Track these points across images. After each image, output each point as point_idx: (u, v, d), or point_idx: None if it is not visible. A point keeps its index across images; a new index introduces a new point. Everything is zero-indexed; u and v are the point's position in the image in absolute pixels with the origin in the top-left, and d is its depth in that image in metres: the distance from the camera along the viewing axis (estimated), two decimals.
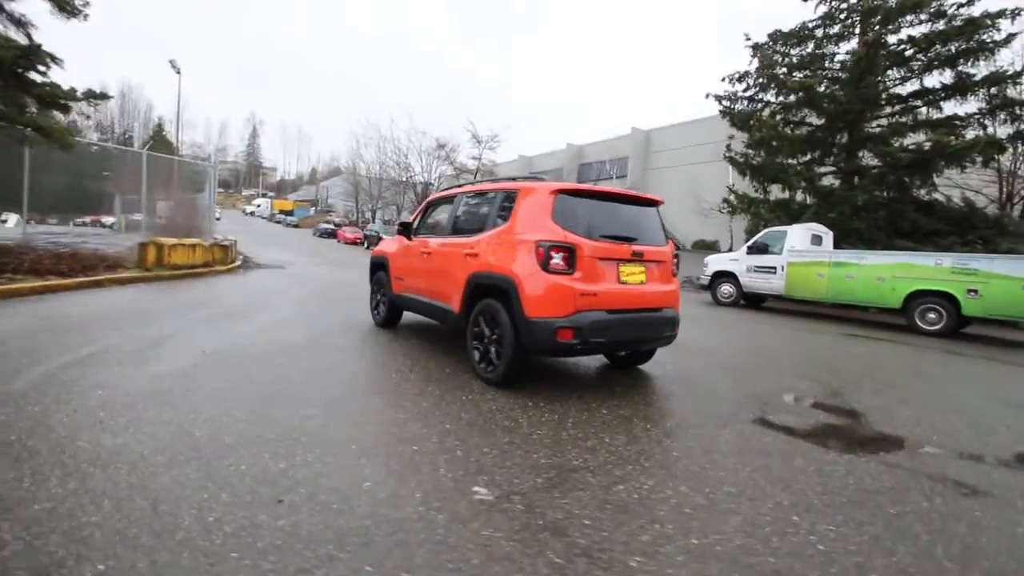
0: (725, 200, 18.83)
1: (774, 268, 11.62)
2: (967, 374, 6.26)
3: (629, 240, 4.07)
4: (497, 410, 3.55)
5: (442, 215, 5.34)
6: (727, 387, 4.67)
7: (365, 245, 32.18)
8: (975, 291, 8.84)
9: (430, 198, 5.72)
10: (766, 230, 12.74)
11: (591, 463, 2.81)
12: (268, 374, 4.01)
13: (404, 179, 35.81)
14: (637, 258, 4.06)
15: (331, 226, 42.72)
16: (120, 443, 2.64)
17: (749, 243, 12.38)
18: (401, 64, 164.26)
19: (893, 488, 2.78)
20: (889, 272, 9.88)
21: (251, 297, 8.23)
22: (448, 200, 5.30)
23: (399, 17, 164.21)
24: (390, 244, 6.33)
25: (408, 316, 6.64)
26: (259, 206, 66.37)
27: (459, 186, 5.44)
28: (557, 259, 3.73)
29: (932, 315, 9.39)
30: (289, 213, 60.82)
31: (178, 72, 23.15)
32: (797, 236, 11.58)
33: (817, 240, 12.06)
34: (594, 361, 5.24)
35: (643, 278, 4.12)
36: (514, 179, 4.50)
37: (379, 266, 6.43)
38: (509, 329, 3.90)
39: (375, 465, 2.59)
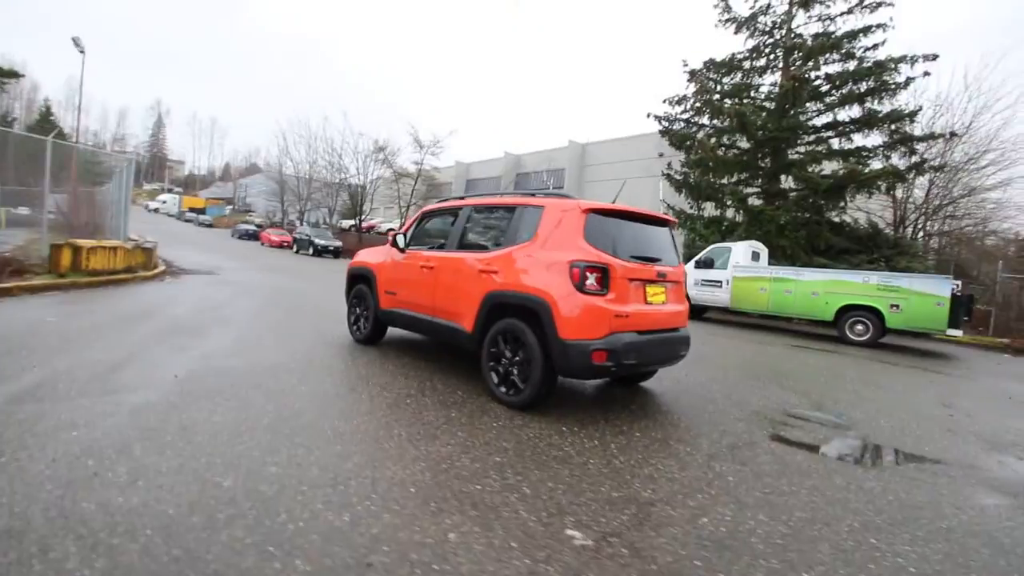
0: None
1: (720, 282, 12.32)
2: (912, 384, 6.94)
3: (654, 260, 4.08)
4: (536, 437, 3.39)
5: (443, 227, 5.07)
6: (727, 402, 4.81)
7: (294, 249, 30.34)
8: (897, 306, 9.88)
9: (426, 208, 5.42)
10: (712, 246, 13.50)
11: (660, 493, 2.74)
12: (269, 404, 3.56)
13: (338, 180, 34.17)
14: (661, 279, 4.08)
15: (252, 227, 39.80)
16: (136, 503, 2.18)
17: (696, 258, 13.02)
18: (326, 66, 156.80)
19: (929, 502, 2.95)
20: (823, 288, 10.81)
21: (198, 309, 7.38)
22: (450, 212, 5.05)
23: (323, 17, 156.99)
24: (373, 255, 5.93)
25: (391, 331, 6.25)
26: (164, 202, 60.43)
27: (460, 198, 5.19)
28: (592, 280, 3.64)
29: (860, 327, 10.38)
30: (201, 211, 55.94)
31: (82, 51, 20.55)
32: (741, 252, 12.37)
33: (755, 256, 12.95)
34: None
35: (664, 298, 4.14)
36: (532, 194, 4.37)
37: (360, 278, 6.00)
38: (538, 351, 3.75)
39: (449, 511, 2.35)
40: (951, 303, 9.38)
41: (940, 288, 9.50)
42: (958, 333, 9.81)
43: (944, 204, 19.59)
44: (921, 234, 20.11)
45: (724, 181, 19.09)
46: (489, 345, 4.14)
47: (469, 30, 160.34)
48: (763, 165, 18.66)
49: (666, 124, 20.37)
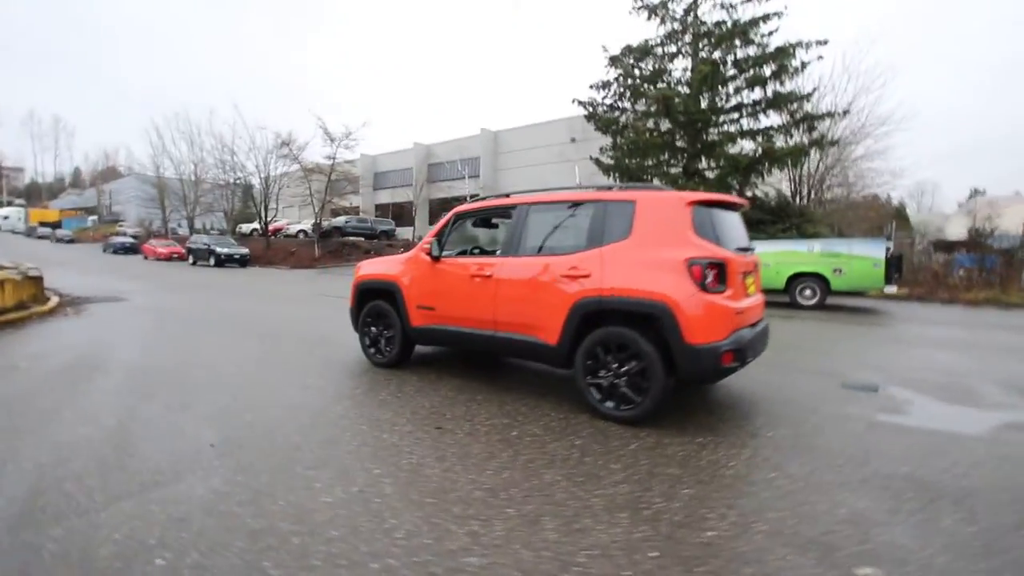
0: None
1: None
2: (887, 336, 7.58)
3: (748, 250, 3.90)
4: (688, 455, 3.07)
5: (489, 230, 4.51)
6: (785, 383, 4.82)
7: (190, 261, 26.89)
8: (840, 270, 10.85)
9: (459, 210, 4.78)
10: None
11: (855, 525, 2.56)
12: (375, 466, 2.86)
13: (234, 180, 30.66)
14: (755, 269, 3.92)
15: (129, 239, 34.72)
16: None
17: None
18: (205, 56, 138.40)
19: None
20: (774, 259, 11.58)
21: (146, 349, 6.05)
22: (498, 213, 4.50)
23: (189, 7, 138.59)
24: (389, 266, 5.17)
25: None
26: (7, 217, 50.75)
27: (505, 195, 4.63)
28: (712, 277, 3.36)
29: (808, 292, 11.29)
30: (56, 225, 47.78)
31: None
32: None
33: None
34: None
35: (755, 289, 3.99)
36: (609, 188, 3.98)
37: (375, 294, 5.22)
38: (656, 358, 3.41)
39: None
40: (885, 263, 10.46)
41: (876, 250, 10.58)
42: (893, 289, 11.03)
43: (830, 172, 22.09)
44: (816, 202, 22.52)
45: (650, 163, 19.88)
46: (585, 358, 3.72)
47: (371, 17, 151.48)
48: (683, 146, 19.66)
49: (591, 109, 20.68)
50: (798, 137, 18.59)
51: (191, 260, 26.89)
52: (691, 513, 2.41)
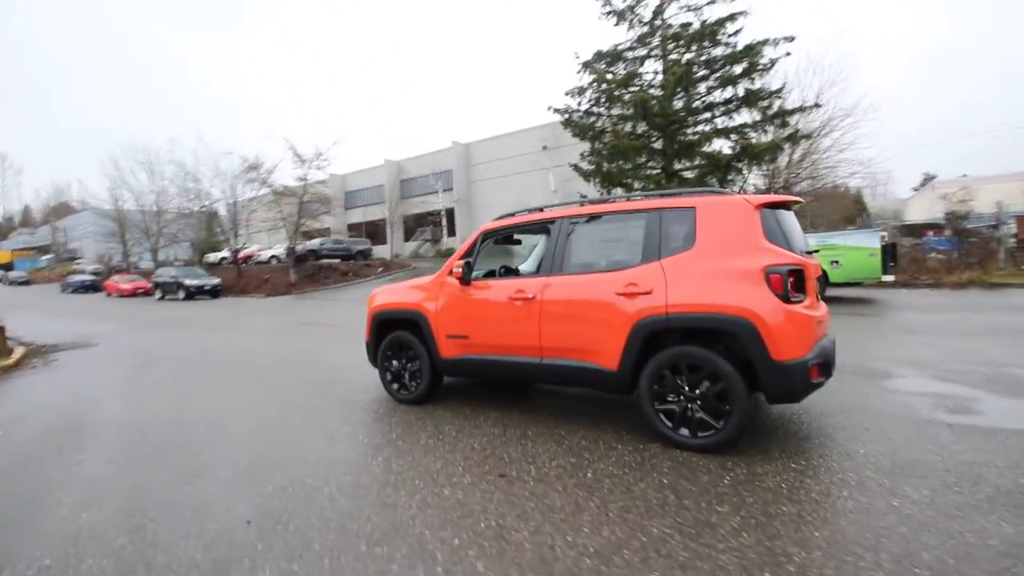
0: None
1: None
2: (897, 326, 7.52)
3: (813, 252, 3.66)
4: (766, 489, 2.76)
5: (523, 248, 4.16)
6: (829, 385, 4.60)
7: (158, 295, 25.63)
8: (837, 262, 10.88)
9: (487, 227, 4.41)
10: None
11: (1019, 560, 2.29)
12: (442, 547, 2.45)
13: (200, 208, 29.41)
14: (817, 272, 3.67)
15: (89, 276, 33.01)
16: None
17: None
18: (161, 83, 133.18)
19: None
20: None
21: (133, 404, 5.46)
22: (533, 229, 4.16)
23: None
24: (408, 293, 4.76)
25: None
26: None
27: (538, 210, 4.29)
28: (792, 285, 3.09)
29: None
30: (7, 267, 45.24)
31: None
32: None
33: None
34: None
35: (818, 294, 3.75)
36: (662, 194, 3.68)
37: (395, 325, 4.80)
38: (737, 378, 3.11)
39: None
40: (881, 252, 10.53)
41: (871, 240, 10.65)
42: (890, 278, 11.11)
43: (799, 165, 22.54)
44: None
45: (628, 166, 19.89)
46: (651, 382, 3.39)
47: (335, 37, 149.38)
48: (661, 147, 19.75)
49: (567, 116, 20.63)
50: (772, 133, 18.87)
51: (158, 295, 25.65)
52: (840, 562, 2.09)
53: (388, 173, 41.03)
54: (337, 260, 29.86)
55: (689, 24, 19.39)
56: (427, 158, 38.96)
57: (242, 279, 27.08)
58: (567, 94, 20.15)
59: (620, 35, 23.43)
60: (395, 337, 4.76)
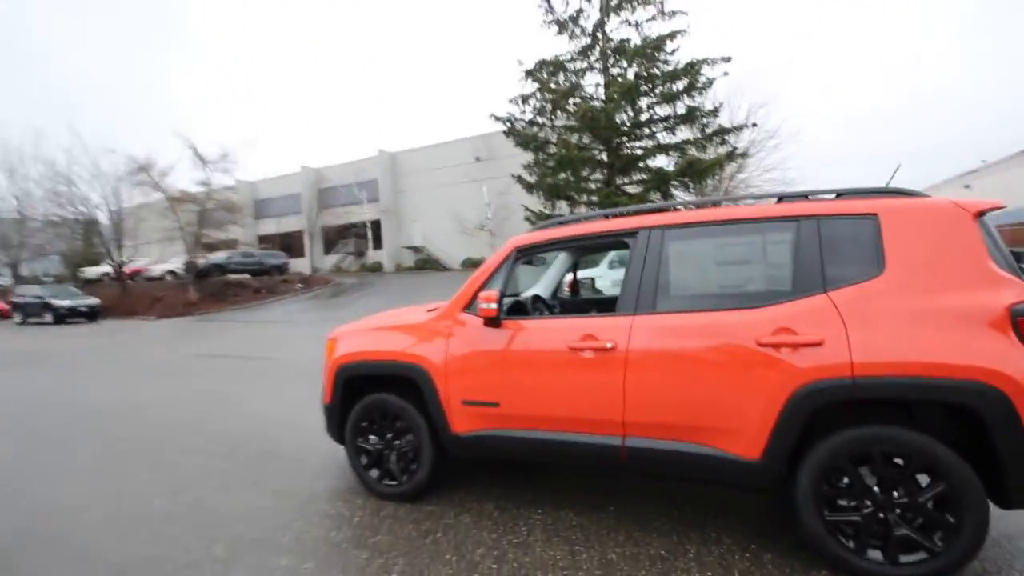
0: (526, 218, 19.20)
1: None
2: None
3: None
4: None
5: (580, 273, 2.85)
6: None
7: (17, 320, 21.11)
8: None
9: (520, 242, 3.02)
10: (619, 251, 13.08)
11: None
12: None
13: (73, 215, 24.74)
14: None
15: None
16: None
17: (610, 259, 12.43)
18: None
19: None
20: None
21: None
22: (598, 242, 2.87)
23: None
24: (403, 334, 3.22)
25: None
26: None
27: (605, 216, 3.00)
28: None
29: None
30: None
31: None
32: None
33: None
34: None
35: None
36: (805, 195, 2.55)
37: (382, 382, 3.26)
38: (969, 476, 2.02)
39: None
40: None
41: None
42: None
43: (731, 182, 23.36)
44: None
45: (574, 179, 19.26)
46: (817, 479, 2.22)
47: (242, 34, 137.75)
48: (606, 160, 19.34)
49: (509, 124, 19.68)
50: (712, 151, 19.12)
51: (18, 318, 21.14)
52: None
53: (306, 181, 37.82)
54: (248, 275, 26.56)
55: (629, 40, 19.29)
56: (350, 166, 36.45)
57: (128, 297, 23.06)
58: (511, 101, 19.22)
59: (562, 45, 22.86)
60: (375, 402, 3.23)
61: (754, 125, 19.85)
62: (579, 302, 4.00)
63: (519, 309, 3.39)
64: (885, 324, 2.14)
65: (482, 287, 2.96)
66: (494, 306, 2.71)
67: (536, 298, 3.62)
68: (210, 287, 23.68)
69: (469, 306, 2.98)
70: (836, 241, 2.32)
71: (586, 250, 3.12)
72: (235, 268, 26.21)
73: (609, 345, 2.56)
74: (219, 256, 26.31)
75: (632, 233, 2.74)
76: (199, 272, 24.01)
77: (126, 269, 25.11)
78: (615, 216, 2.99)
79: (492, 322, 2.83)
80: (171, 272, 26.85)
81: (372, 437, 3.27)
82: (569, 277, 4.30)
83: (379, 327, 3.42)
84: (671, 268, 2.63)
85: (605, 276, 12.38)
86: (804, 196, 2.55)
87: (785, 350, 2.24)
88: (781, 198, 2.60)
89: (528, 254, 3.08)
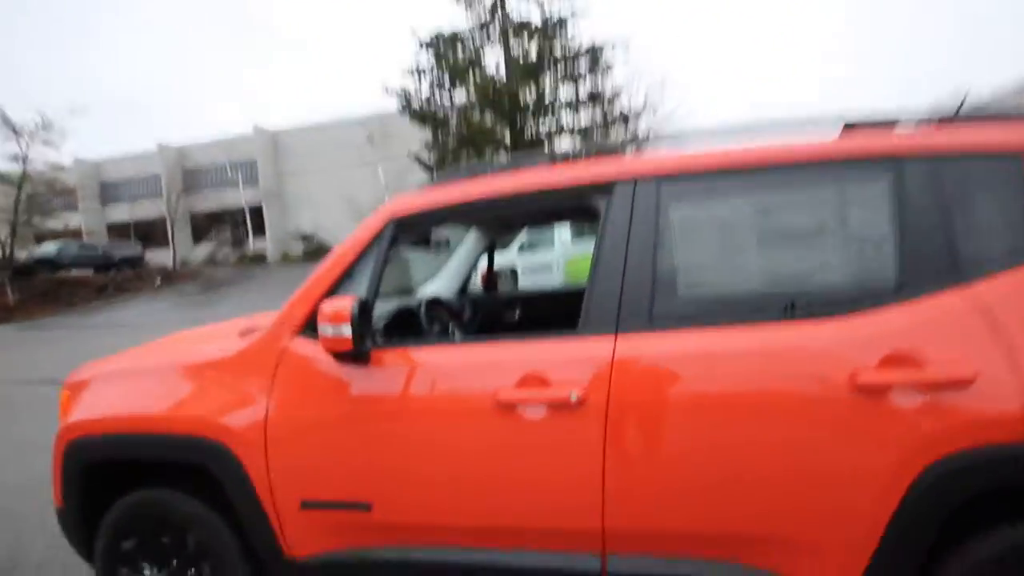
0: None
1: (551, 265, 11.12)
2: None
3: None
4: None
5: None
6: None
7: None
8: None
9: (399, 209, 1.69)
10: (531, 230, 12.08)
11: None
12: None
13: None
14: None
15: None
16: None
17: (520, 244, 11.39)
18: None
19: None
20: None
21: None
22: (541, 206, 1.65)
23: None
24: (181, 383, 1.78)
25: None
26: None
27: (550, 162, 1.75)
28: None
29: None
30: None
31: None
32: (566, 232, 11.27)
33: (578, 233, 12.15)
34: None
35: None
36: (887, 121, 1.49)
37: (155, 470, 1.81)
38: None
39: None
40: None
41: None
42: None
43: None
44: None
45: (476, 158, 18.09)
46: None
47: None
48: (508, 141, 18.37)
49: (406, 100, 17.89)
50: (615, 134, 18.90)
51: None
52: None
53: (166, 160, 32.49)
54: (90, 272, 22.01)
55: (527, 22, 18.35)
56: (221, 144, 31.82)
57: None
58: (407, 73, 17.34)
59: (459, 18, 21.21)
60: (143, 504, 1.76)
61: (655, 111, 19.93)
62: (508, 307, 2.69)
63: (404, 323, 2.07)
64: None
65: (329, 291, 1.61)
66: (347, 331, 1.38)
67: (433, 303, 2.30)
68: (37, 287, 19.23)
69: (308, 326, 1.62)
70: (967, 196, 1.31)
71: (514, 222, 1.87)
72: (71, 263, 21.60)
73: (574, 396, 1.36)
74: (48, 248, 21.56)
75: (604, 188, 1.55)
76: (19, 268, 19.44)
77: None
78: (567, 160, 1.78)
79: (350, 356, 1.50)
80: None
81: (145, 567, 1.79)
82: (484, 266, 3.05)
83: (155, 365, 1.93)
84: (677, 249, 1.48)
85: (516, 264, 11.30)
86: (887, 123, 1.51)
87: (904, 394, 1.19)
88: (850, 125, 1.54)
89: (415, 230, 1.79)
